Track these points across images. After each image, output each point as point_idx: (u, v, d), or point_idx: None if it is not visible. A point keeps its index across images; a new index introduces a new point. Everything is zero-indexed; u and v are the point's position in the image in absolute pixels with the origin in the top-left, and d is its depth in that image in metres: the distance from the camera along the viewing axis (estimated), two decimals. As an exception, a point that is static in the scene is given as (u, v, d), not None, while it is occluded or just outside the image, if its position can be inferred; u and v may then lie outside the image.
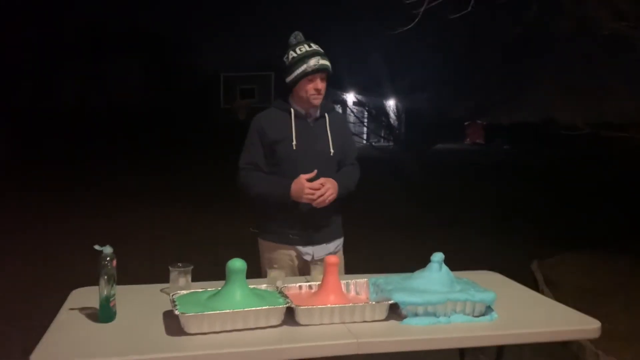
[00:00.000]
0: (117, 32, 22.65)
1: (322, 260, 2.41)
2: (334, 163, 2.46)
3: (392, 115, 14.82)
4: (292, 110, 2.41)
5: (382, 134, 16.31)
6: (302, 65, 2.32)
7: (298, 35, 2.41)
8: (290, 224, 2.40)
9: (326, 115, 2.47)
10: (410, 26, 4.70)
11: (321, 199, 2.28)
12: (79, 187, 10.71)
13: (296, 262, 2.46)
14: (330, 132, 2.44)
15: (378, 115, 15.11)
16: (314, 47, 2.37)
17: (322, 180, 2.30)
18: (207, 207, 9.10)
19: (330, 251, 2.48)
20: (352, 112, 16.75)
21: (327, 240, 2.48)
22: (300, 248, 2.43)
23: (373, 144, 16.03)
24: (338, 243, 2.54)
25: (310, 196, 2.28)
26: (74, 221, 7.53)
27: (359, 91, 16.11)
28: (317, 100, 2.39)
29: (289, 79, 2.38)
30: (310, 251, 2.43)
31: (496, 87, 13.27)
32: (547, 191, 12.08)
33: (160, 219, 7.93)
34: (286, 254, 2.44)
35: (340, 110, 19.31)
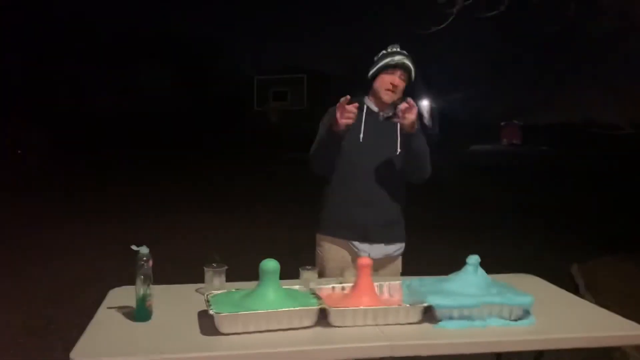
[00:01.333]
0: (152, 38, 23.18)
1: (380, 261, 2.40)
2: (398, 163, 2.42)
3: (426, 116, 14.69)
4: (365, 106, 2.44)
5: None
6: (386, 58, 2.39)
7: (396, 44, 2.47)
8: (347, 217, 2.39)
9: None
10: (443, 25, 4.65)
11: (409, 108, 2.20)
12: (117, 189, 10.97)
13: (351, 261, 2.39)
14: (400, 132, 2.43)
15: (412, 116, 15.01)
16: (405, 52, 2.43)
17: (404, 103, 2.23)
18: (241, 208, 9.19)
19: (389, 254, 2.43)
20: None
21: (387, 241, 2.43)
22: (356, 244, 2.40)
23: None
24: (399, 247, 2.49)
25: (349, 116, 2.19)
26: (111, 222, 7.72)
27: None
28: (388, 97, 2.39)
29: (372, 71, 2.43)
30: (366, 249, 2.40)
31: (533, 86, 13.03)
32: (587, 193, 11.77)
33: (195, 220, 8.04)
34: (340, 251, 2.43)
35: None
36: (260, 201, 10.00)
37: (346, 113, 2.19)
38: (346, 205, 2.38)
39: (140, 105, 21.79)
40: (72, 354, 1.48)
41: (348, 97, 2.21)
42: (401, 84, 2.40)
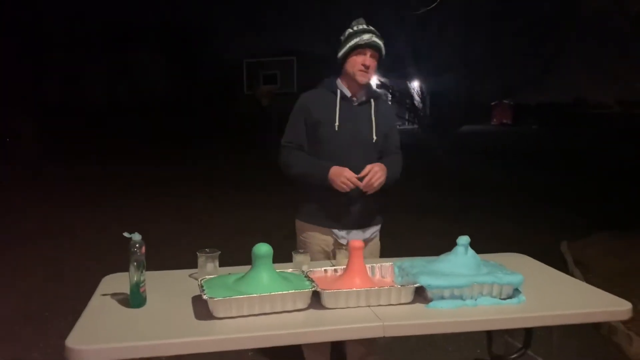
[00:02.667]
0: (140, 23, 22.85)
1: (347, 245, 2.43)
2: (375, 150, 2.43)
3: (416, 97, 14.65)
4: (338, 91, 2.41)
5: (407, 117, 16.16)
6: (355, 38, 2.34)
7: (360, 19, 2.42)
8: (327, 205, 2.39)
9: (372, 100, 2.45)
10: (432, 6, 4.63)
11: (370, 182, 2.24)
12: (108, 176, 10.92)
13: (330, 247, 2.45)
14: (375, 118, 2.41)
15: (402, 97, 14.95)
16: (372, 28, 2.39)
17: (370, 165, 2.26)
18: (233, 193, 9.19)
19: (366, 238, 2.46)
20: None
21: (365, 226, 2.45)
22: (335, 231, 2.42)
23: (398, 127, 15.90)
24: (374, 230, 2.51)
25: (344, 185, 2.25)
26: (104, 210, 7.70)
27: (382, 73, 15.95)
28: (363, 78, 2.36)
29: (341, 52, 2.38)
30: (345, 235, 2.42)
31: (523, 66, 13.00)
32: (577, 171, 11.86)
33: (186, 206, 8.04)
34: (319, 237, 2.44)
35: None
36: (251, 185, 9.99)
37: (346, 184, 2.25)
38: (324, 193, 2.36)
39: (129, 91, 21.60)
40: (68, 341, 1.49)
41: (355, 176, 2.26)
42: (373, 63, 2.36)
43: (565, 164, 13.16)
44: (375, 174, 2.25)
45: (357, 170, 2.29)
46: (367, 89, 2.46)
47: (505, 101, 30.38)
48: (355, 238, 2.39)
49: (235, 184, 10.07)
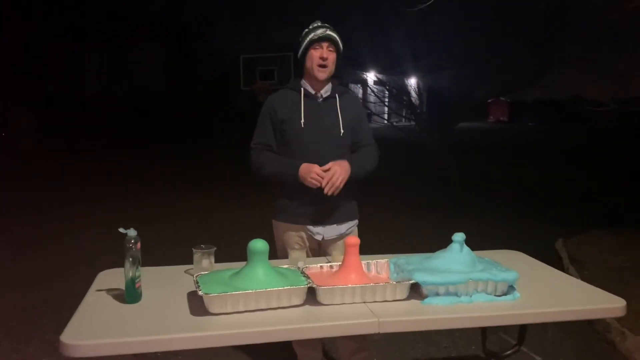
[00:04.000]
0: (137, 18, 22.75)
1: (334, 240, 2.43)
2: (344, 144, 2.45)
3: (413, 94, 14.61)
4: (302, 89, 2.43)
5: (404, 114, 16.14)
6: (309, 34, 2.38)
7: (316, 21, 2.46)
8: (300, 202, 2.41)
9: (337, 95, 2.46)
10: (429, 2, 4.62)
11: (330, 182, 2.24)
12: (104, 172, 10.89)
13: (307, 243, 2.46)
14: (341, 112, 2.43)
15: (399, 94, 14.91)
16: (326, 25, 2.43)
17: (330, 164, 2.27)
18: (229, 189, 9.18)
19: (342, 232, 2.47)
20: (373, 91, 16.56)
21: (339, 221, 2.47)
22: (310, 228, 2.43)
23: (394, 123, 15.85)
24: (351, 225, 2.52)
25: (314, 181, 2.26)
26: (99, 205, 7.68)
27: (379, 70, 15.91)
28: (322, 73, 2.38)
29: (300, 52, 2.43)
30: (320, 231, 2.44)
31: (520, 63, 12.99)
32: (573, 168, 11.89)
33: (183, 202, 8.03)
34: (296, 235, 2.45)
35: (360, 90, 19.09)
36: (248, 181, 9.99)
37: (317, 179, 2.25)
38: (296, 191, 2.37)
39: (125, 86, 21.52)
40: (63, 337, 1.49)
41: (329, 165, 2.27)
42: (331, 56, 2.39)
43: (561, 162, 13.19)
44: (335, 173, 2.25)
45: (327, 163, 2.31)
46: (332, 85, 2.47)
47: (501, 98, 30.38)
48: (331, 233, 2.43)
49: (232, 180, 10.06)
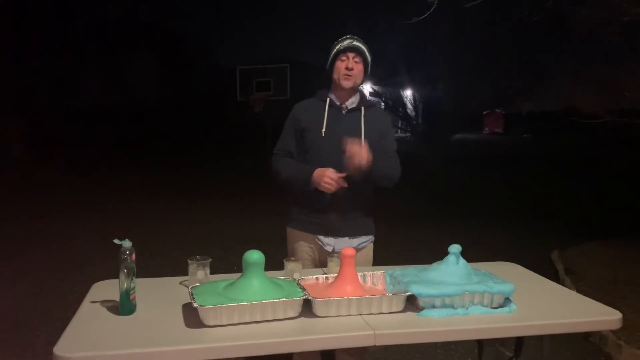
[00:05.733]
0: (133, 29, 22.83)
1: (339, 253, 2.42)
2: None
3: (409, 105, 14.69)
4: (327, 99, 2.44)
5: (399, 125, 16.20)
6: (336, 46, 2.41)
7: (347, 35, 2.48)
8: (313, 210, 2.40)
9: (362, 108, 2.45)
10: (425, 15, 4.66)
11: (356, 154, 2.16)
12: (99, 182, 10.85)
13: (317, 255, 2.45)
14: (364, 125, 2.41)
15: (395, 106, 14.99)
16: (354, 36, 2.45)
17: (350, 142, 2.20)
18: (225, 200, 9.16)
19: (353, 247, 2.41)
20: (369, 103, 16.64)
21: (351, 234, 2.44)
22: (321, 237, 2.42)
23: (394, 133, 15.88)
24: (364, 240, 2.48)
25: (327, 185, 2.26)
26: (93, 216, 7.64)
27: (375, 82, 16.01)
28: (347, 82, 2.38)
29: (328, 63, 2.44)
30: (331, 242, 2.42)
31: (515, 75, 13.08)
32: (568, 180, 11.93)
33: (178, 213, 8.00)
34: (307, 245, 2.45)
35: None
36: (244, 192, 9.97)
37: (330, 183, 2.24)
38: (311, 200, 2.38)
39: (122, 98, 21.55)
40: (56, 349, 1.48)
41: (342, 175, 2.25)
42: (356, 66, 2.39)
43: (556, 173, 13.24)
44: (361, 150, 2.18)
45: (345, 176, 2.30)
46: (358, 97, 2.48)
47: (496, 110, 30.56)
48: (341, 246, 2.38)
49: (228, 191, 10.05)
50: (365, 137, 2.38)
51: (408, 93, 14.95)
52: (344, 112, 2.44)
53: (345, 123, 2.42)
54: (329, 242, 2.42)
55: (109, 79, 22.21)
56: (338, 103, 2.45)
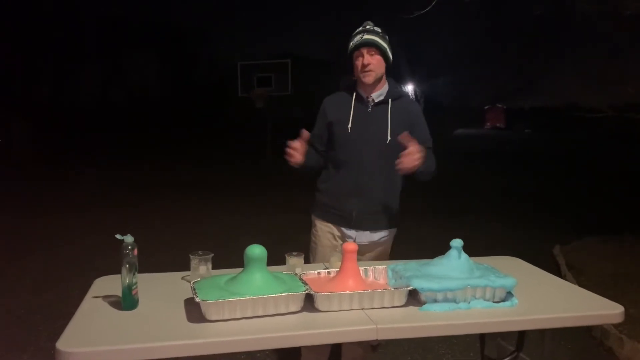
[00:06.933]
0: (134, 25, 22.81)
1: (366, 247, 2.44)
2: (391, 151, 2.28)
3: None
4: (354, 93, 2.42)
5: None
6: (350, 43, 2.38)
7: (367, 23, 2.42)
8: (337, 201, 2.42)
9: (390, 101, 2.41)
10: (427, 9, 4.64)
11: (408, 159, 2.14)
12: (100, 179, 10.87)
13: (339, 242, 2.44)
14: (391, 119, 2.37)
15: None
16: (368, 26, 2.39)
17: (412, 143, 2.16)
18: (227, 195, 9.17)
19: (374, 240, 2.45)
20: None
21: (373, 228, 2.43)
22: (343, 229, 2.44)
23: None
24: (384, 235, 2.48)
25: (289, 157, 2.26)
26: (95, 211, 7.66)
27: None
28: (367, 78, 2.34)
29: (348, 60, 2.42)
30: (353, 235, 2.43)
31: (516, 71, 13.07)
32: (569, 175, 11.92)
33: (180, 208, 8.01)
34: (330, 233, 2.47)
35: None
36: (246, 188, 9.98)
37: (290, 154, 2.25)
38: (335, 193, 2.42)
39: (123, 94, 21.54)
40: (59, 344, 1.48)
41: (305, 132, 2.26)
42: (373, 60, 2.34)
43: (558, 168, 13.22)
44: (417, 152, 2.15)
45: (370, 171, 2.34)
46: (386, 88, 2.44)
47: (498, 105, 30.52)
48: (362, 239, 2.41)
49: (229, 187, 10.05)
50: (390, 134, 2.35)
51: (409, 88, 14.92)
52: (370, 106, 2.41)
53: (371, 118, 2.40)
54: (351, 235, 2.44)
55: (110, 76, 22.21)
56: (365, 96, 2.42)
